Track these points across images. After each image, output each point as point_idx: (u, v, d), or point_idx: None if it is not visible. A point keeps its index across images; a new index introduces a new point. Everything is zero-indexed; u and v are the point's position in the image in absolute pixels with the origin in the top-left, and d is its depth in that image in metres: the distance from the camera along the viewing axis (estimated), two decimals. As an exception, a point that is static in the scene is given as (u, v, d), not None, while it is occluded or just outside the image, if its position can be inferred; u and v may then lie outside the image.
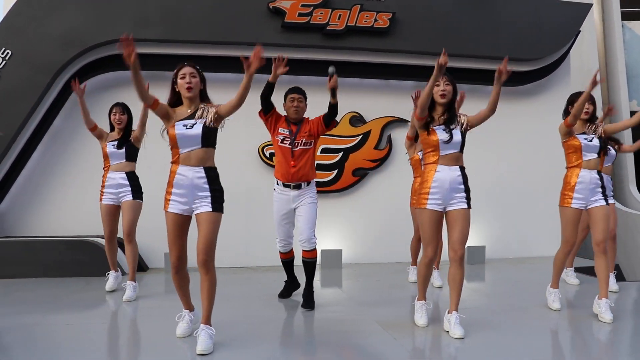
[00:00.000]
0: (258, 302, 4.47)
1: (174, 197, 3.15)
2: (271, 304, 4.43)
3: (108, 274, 4.86)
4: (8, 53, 5.55)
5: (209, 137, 3.15)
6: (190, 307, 3.46)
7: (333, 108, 4.14)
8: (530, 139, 6.99)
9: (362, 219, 6.63)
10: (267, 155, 6.38)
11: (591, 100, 4.02)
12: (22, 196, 5.99)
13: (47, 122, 5.91)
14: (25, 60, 5.58)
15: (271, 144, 6.40)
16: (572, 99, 4.07)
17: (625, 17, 9.38)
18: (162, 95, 3.32)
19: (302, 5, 5.98)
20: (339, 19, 6.07)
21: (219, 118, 3.21)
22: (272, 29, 6.01)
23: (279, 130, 4.25)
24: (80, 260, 5.55)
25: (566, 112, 4.12)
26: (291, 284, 4.69)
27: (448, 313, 3.56)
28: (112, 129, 4.70)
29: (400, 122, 6.74)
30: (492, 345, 3.34)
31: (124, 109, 4.65)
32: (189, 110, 3.21)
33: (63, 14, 5.69)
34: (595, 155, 3.99)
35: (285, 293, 4.66)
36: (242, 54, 3.08)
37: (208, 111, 3.18)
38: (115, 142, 4.55)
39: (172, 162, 3.20)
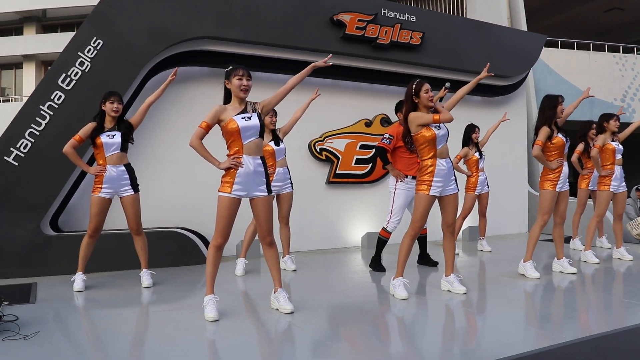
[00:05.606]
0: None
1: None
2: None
3: (237, 261, 5.42)
4: (99, 42, 5.43)
5: None
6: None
7: None
8: (499, 137, 8.73)
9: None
10: (318, 150, 7.08)
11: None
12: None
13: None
14: (115, 51, 5.52)
15: (321, 140, 7.17)
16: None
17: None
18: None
19: (359, 20, 6.83)
20: (385, 34, 7.04)
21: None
22: (333, 38, 6.75)
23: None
24: (171, 250, 5.72)
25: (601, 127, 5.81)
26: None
27: (559, 259, 5.13)
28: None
29: (415, 123, 7.96)
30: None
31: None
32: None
33: (151, 7, 5.73)
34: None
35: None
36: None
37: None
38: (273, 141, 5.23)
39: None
